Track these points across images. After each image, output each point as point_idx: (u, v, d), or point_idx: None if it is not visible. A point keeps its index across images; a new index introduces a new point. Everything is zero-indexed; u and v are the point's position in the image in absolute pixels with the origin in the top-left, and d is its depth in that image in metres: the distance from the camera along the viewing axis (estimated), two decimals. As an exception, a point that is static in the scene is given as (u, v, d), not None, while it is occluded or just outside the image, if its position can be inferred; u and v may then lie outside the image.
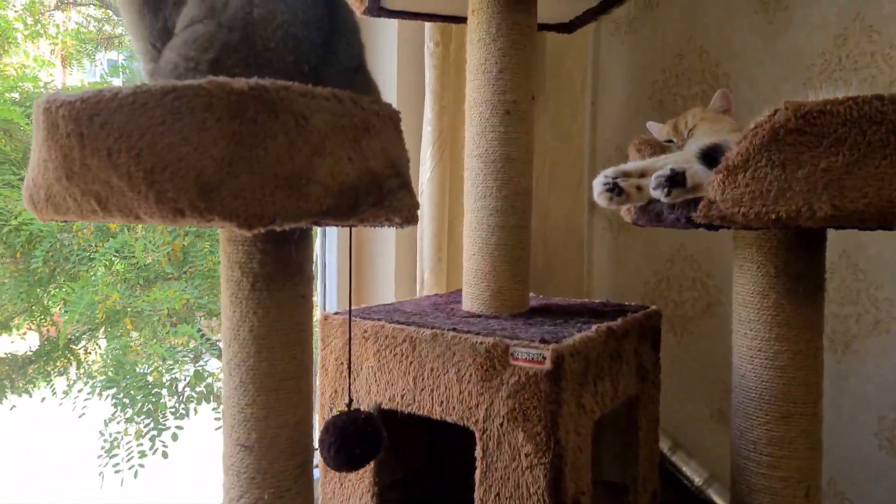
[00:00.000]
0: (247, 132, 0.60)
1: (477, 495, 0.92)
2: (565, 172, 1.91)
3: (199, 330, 2.60)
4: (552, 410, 0.86)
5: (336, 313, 1.11)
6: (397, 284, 1.53)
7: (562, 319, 1.07)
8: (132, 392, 2.65)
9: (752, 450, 0.98)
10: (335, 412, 0.83)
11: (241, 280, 0.81)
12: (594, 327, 0.97)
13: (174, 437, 2.85)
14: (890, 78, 1.54)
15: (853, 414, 1.60)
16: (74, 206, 0.69)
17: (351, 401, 0.81)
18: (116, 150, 0.61)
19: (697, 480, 1.63)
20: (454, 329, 0.97)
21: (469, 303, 1.14)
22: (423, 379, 0.98)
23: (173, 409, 2.91)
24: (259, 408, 0.81)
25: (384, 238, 1.52)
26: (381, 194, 0.71)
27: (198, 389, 3.02)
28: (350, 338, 1.00)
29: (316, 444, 0.83)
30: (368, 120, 0.70)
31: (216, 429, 3.18)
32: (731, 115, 1.09)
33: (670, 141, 1.11)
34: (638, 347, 1.12)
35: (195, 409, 3.07)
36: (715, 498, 1.60)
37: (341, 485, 1.09)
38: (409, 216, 0.78)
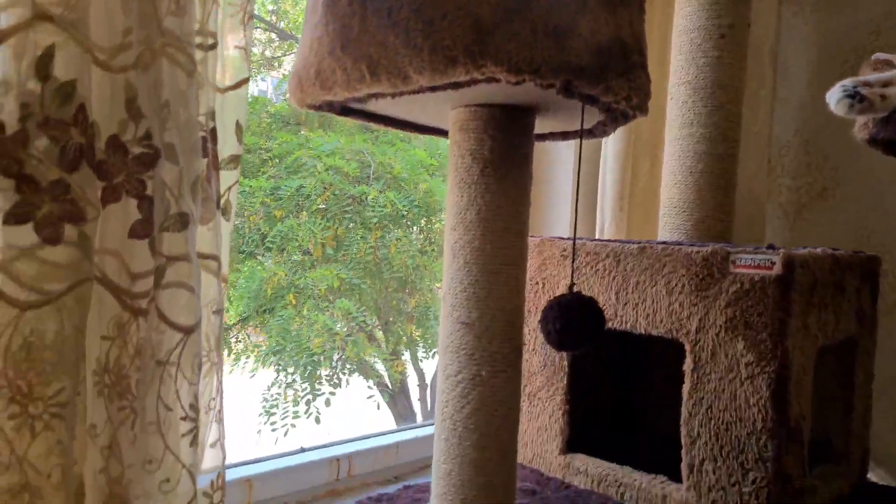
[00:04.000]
0: (521, -18, 0.63)
1: (684, 409, 0.90)
2: (753, 141, 1.82)
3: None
4: (780, 318, 0.82)
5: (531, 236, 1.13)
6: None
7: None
8: (295, 356, 2.85)
9: None
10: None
11: (472, 166, 0.85)
12: (820, 249, 0.92)
13: (327, 402, 3.02)
14: None
15: None
16: (342, 77, 0.77)
17: (573, 284, 0.83)
18: (397, 8, 0.67)
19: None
20: (664, 242, 0.96)
21: (667, 234, 1.12)
22: (626, 293, 0.98)
23: (328, 377, 3.09)
24: (481, 288, 0.85)
25: (561, 181, 1.53)
26: (627, 66, 0.73)
27: (348, 366, 3.18)
28: (575, 230, 1.02)
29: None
30: (622, -10, 0.71)
31: (368, 397, 3.32)
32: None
33: (906, 66, 1.03)
34: (859, 288, 1.04)
35: (347, 381, 3.24)
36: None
37: (530, 403, 1.10)
38: (643, 101, 0.78)
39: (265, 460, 1.18)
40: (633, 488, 0.94)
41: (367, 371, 3.24)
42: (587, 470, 1.01)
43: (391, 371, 3.23)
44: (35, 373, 0.57)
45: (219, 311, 0.67)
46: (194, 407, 0.59)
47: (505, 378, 0.85)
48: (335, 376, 2.98)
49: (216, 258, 0.65)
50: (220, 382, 0.69)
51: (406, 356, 3.32)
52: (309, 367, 2.89)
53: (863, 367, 1.07)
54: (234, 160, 0.74)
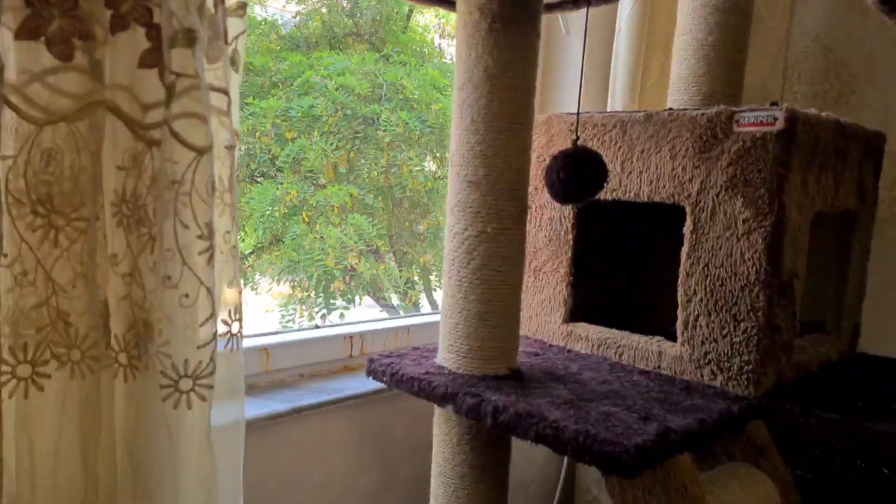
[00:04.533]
0: None
1: (682, 269, 0.93)
2: (770, 36, 1.78)
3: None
4: (779, 173, 0.83)
5: (539, 114, 1.14)
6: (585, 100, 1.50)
7: (781, 119, 1.02)
8: (309, 270, 2.91)
9: None
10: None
11: (480, 21, 0.85)
12: (825, 113, 0.92)
13: (341, 315, 3.11)
14: None
15: None
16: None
17: (577, 138, 0.84)
18: None
19: None
20: (670, 109, 0.96)
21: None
22: (631, 162, 0.99)
23: (342, 292, 3.17)
24: (488, 146, 0.86)
25: (573, 54, 1.51)
26: None
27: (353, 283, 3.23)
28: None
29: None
30: None
31: (379, 311, 3.40)
32: None
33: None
34: (862, 161, 1.04)
35: (360, 298, 3.32)
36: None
37: (535, 277, 1.13)
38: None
39: (282, 333, 1.24)
40: (631, 348, 0.98)
41: (378, 298, 3.30)
42: (588, 336, 1.05)
43: (404, 303, 3.29)
44: (56, 192, 0.60)
45: (231, 147, 0.69)
46: (209, 226, 0.62)
47: (510, 235, 0.88)
48: (349, 292, 3.05)
49: (225, 92, 0.67)
50: (234, 220, 0.72)
51: (419, 291, 3.36)
52: (323, 281, 2.95)
53: (860, 241, 1.08)
54: (242, 7, 0.75)
